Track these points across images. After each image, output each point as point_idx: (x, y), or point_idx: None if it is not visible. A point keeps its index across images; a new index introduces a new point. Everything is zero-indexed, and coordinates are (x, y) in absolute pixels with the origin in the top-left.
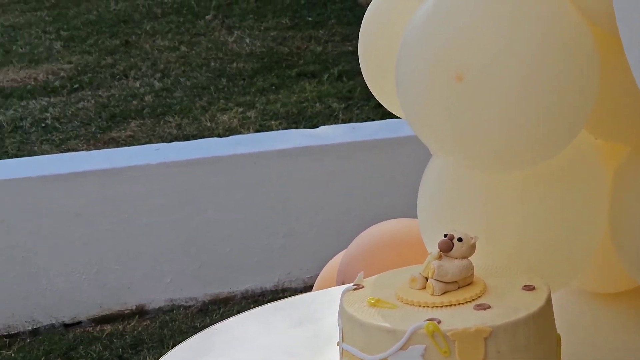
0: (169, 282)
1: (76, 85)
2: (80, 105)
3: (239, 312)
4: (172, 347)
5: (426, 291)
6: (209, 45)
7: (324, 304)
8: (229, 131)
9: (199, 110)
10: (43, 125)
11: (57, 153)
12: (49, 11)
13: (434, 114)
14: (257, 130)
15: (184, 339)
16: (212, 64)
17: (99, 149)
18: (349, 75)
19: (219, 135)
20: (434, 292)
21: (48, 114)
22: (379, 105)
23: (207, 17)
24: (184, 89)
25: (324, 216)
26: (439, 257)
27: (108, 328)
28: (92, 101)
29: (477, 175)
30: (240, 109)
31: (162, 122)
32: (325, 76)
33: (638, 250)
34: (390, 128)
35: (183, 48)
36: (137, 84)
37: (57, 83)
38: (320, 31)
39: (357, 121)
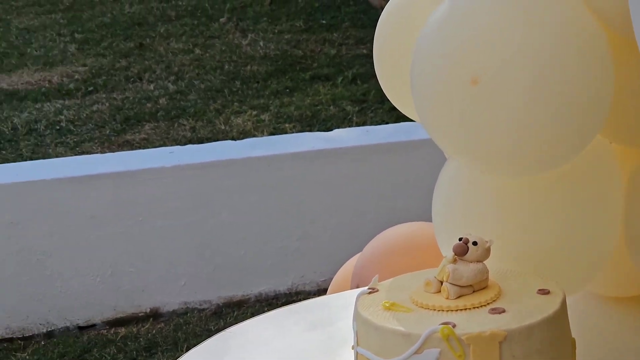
0: (183, 285)
1: (90, 88)
2: (94, 107)
3: (252, 315)
4: (186, 350)
5: (441, 295)
6: (223, 48)
7: (338, 307)
8: (243, 134)
9: (213, 113)
10: (57, 127)
11: (71, 156)
12: (63, 14)
13: (449, 117)
14: (271, 133)
15: (198, 342)
16: (226, 66)
17: (113, 152)
18: (363, 78)
19: (233, 138)
20: (449, 295)
21: (62, 117)
22: (393, 109)
23: (221, 20)
24: (198, 92)
25: (338, 219)
26: (454, 261)
27: (122, 331)
28: (107, 104)
29: (491, 179)
30: (254, 112)
31: (176, 125)
32: (340, 79)
33: None
34: (404, 131)
35: (197, 51)
36: (152, 86)
37: (71, 86)
38: (334, 34)
39: (371, 124)
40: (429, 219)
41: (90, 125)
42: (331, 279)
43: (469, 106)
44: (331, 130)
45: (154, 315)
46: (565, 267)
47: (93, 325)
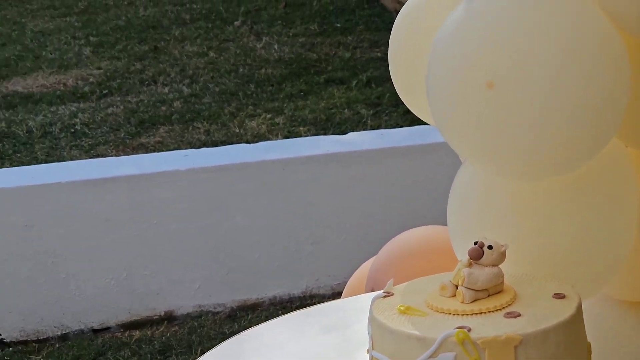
0: (197, 288)
1: (105, 91)
2: (109, 110)
3: (267, 318)
4: (201, 354)
5: (456, 299)
6: (238, 51)
7: (353, 311)
8: (257, 137)
9: (228, 116)
10: (72, 130)
11: (86, 159)
12: (78, 17)
13: (465, 121)
14: (286, 137)
15: (212, 345)
16: (241, 70)
17: (128, 155)
18: (378, 81)
19: (248, 142)
20: (464, 299)
21: (77, 120)
22: (408, 112)
23: (236, 23)
24: (212, 95)
25: (353, 223)
26: (469, 265)
27: (137, 334)
28: (121, 107)
29: (506, 183)
30: (269, 115)
31: (190, 128)
32: (354, 82)
33: None
34: (419, 134)
35: (211, 54)
36: (166, 89)
37: (86, 89)
38: (349, 37)
39: (385, 127)
40: (444, 223)
41: (105, 128)
42: (345, 282)
43: (484, 109)
44: (345, 133)
45: (169, 318)
46: (581, 271)
47: (107, 328)
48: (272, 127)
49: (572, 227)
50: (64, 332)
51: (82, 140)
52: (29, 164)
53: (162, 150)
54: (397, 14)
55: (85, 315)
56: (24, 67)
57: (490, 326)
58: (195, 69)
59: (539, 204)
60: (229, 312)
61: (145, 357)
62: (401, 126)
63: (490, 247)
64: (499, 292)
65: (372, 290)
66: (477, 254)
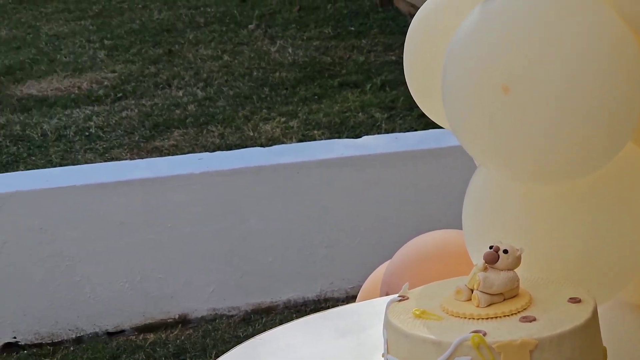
0: (211, 291)
1: (120, 94)
2: (123, 114)
3: (281, 321)
4: (215, 357)
5: (471, 303)
6: (252, 55)
7: (368, 315)
8: (271, 141)
9: (242, 119)
10: (87, 134)
11: (100, 162)
12: (92, 20)
13: (480, 124)
14: (300, 140)
15: (226, 349)
16: (255, 73)
17: (142, 158)
18: (392, 85)
19: (262, 145)
20: (480, 304)
21: (92, 123)
22: (422, 115)
23: (250, 26)
24: (226, 99)
25: (367, 226)
26: (485, 269)
27: (151, 337)
28: (136, 110)
29: (521, 187)
30: (283, 119)
31: (205, 132)
32: (368, 86)
33: None
34: (433, 138)
35: (226, 57)
36: (180, 93)
37: (100, 92)
38: (363, 41)
39: (400, 131)
40: (458, 227)
41: (120, 131)
42: (360, 286)
43: (500, 113)
44: (360, 137)
45: (183, 321)
46: (596, 276)
47: (122, 331)
48: (286, 131)
49: (588, 232)
50: (78, 335)
51: (97, 144)
52: (44, 167)
53: (177, 154)
54: (412, 17)
55: (100, 318)
56: (38, 71)
57: (505, 330)
58: (209, 72)
59: (554, 208)
60: (243, 316)
61: None
62: (415, 130)
63: (505, 251)
64: (514, 296)
65: (387, 294)
66: (493, 258)
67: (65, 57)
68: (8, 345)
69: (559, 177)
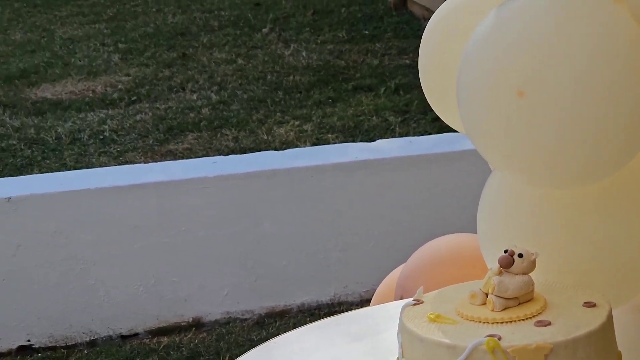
0: (225, 294)
1: (134, 98)
2: (137, 117)
3: (295, 325)
4: None
5: (486, 307)
6: (266, 59)
7: (382, 319)
8: (285, 144)
9: (256, 123)
10: (101, 137)
11: (114, 165)
12: (107, 24)
13: (495, 128)
14: (314, 144)
15: (240, 352)
16: (269, 77)
17: (156, 162)
18: (406, 88)
19: (276, 149)
20: (495, 308)
21: (106, 126)
22: (436, 119)
23: (264, 30)
24: (240, 102)
25: (381, 230)
26: (500, 273)
27: (165, 340)
28: (150, 113)
29: (536, 191)
30: (297, 122)
31: (219, 135)
32: (382, 89)
33: None
34: (447, 142)
35: (240, 61)
36: (194, 96)
37: (115, 95)
38: (377, 44)
39: (414, 135)
40: (473, 231)
41: (134, 134)
42: (374, 289)
43: (514, 117)
44: (374, 140)
45: (197, 324)
46: (611, 280)
47: (136, 335)
48: (301, 134)
49: (603, 236)
50: (92, 338)
51: (111, 147)
52: (58, 170)
53: (191, 157)
54: (426, 21)
55: (114, 321)
56: (53, 74)
57: (520, 334)
58: (223, 75)
59: (569, 212)
60: (257, 319)
61: None
62: (429, 133)
63: (520, 256)
64: (529, 301)
65: (401, 298)
66: (508, 262)
67: (80, 61)
68: (22, 348)
69: (574, 181)
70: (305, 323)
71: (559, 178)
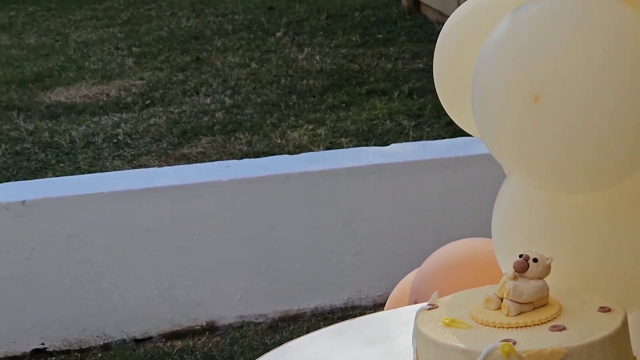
0: (239, 298)
1: (148, 102)
2: (151, 121)
3: (308, 329)
4: None
5: (501, 312)
6: (279, 62)
7: (397, 323)
8: (299, 148)
9: (269, 127)
10: (115, 141)
11: (128, 169)
12: (121, 28)
13: (510, 133)
14: (327, 148)
15: (254, 356)
16: (283, 80)
17: (170, 165)
18: (420, 92)
19: (289, 153)
20: (509, 312)
21: (120, 130)
22: (450, 123)
23: (278, 34)
24: (254, 106)
25: (394, 234)
26: (514, 278)
27: (178, 344)
28: (164, 117)
29: (551, 196)
30: (311, 126)
31: (232, 139)
32: (396, 93)
33: None
34: (461, 146)
35: (253, 65)
36: (208, 100)
37: (129, 99)
38: (391, 48)
39: (427, 139)
40: (486, 235)
41: (148, 138)
42: (387, 293)
43: (529, 121)
44: (387, 144)
45: (210, 328)
46: (626, 284)
47: (149, 338)
48: (314, 138)
49: (618, 241)
50: (106, 341)
51: (125, 151)
52: (72, 174)
53: (204, 161)
54: (439, 25)
55: (128, 325)
56: (67, 78)
57: (535, 339)
58: (237, 79)
59: (584, 217)
60: (270, 323)
61: None
62: (443, 137)
63: (535, 260)
64: (544, 305)
65: (415, 303)
66: (523, 266)
67: (94, 65)
68: (36, 352)
69: (589, 187)
70: (319, 327)
71: (574, 183)
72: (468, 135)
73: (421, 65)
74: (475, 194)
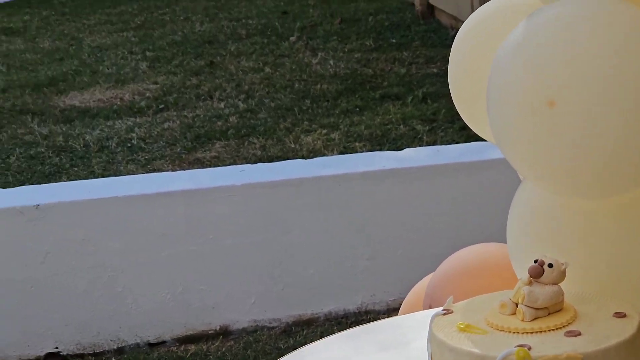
0: (253, 303)
1: (161, 106)
2: (165, 125)
3: (322, 334)
4: None
5: (516, 317)
6: (293, 67)
7: (411, 328)
8: (312, 153)
9: (283, 131)
10: (129, 145)
11: (142, 173)
12: (135, 32)
13: (526, 138)
14: (341, 152)
15: None
16: (296, 85)
17: (184, 170)
18: (433, 97)
19: (303, 157)
20: (524, 318)
21: (134, 134)
22: (464, 128)
23: (291, 38)
24: (268, 110)
25: (408, 239)
26: (529, 283)
27: (192, 348)
28: (177, 121)
29: (566, 201)
30: (324, 131)
31: (246, 143)
32: (410, 98)
33: None
34: (474, 151)
35: (267, 69)
36: (222, 104)
37: (142, 103)
38: (404, 53)
39: (441, 143)
40: (501, 240)
41: (161, 142)
42: (401, 298)
43: (544, 126)
44: (401, 149)
45: (224, 333)
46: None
47: (163, 342)
48: (328, 143)
49: (632, 246)
50: (120, 345)
51: (139, 155)
52: (86, 178)
53: (218, 165)
54: (453, 30)
55: (141, 329)
56: (81, 82)
57: (550, 345)
58: (251, 84)
59: (599, 222)
60: (284, 327)
61: None
62: (457, 142)
63: (550, 266)
64: (559, 311)
65: (430, 308)
66: (538, 272)
67: (108, 69)
68: (50, 356)
69: (603, 191)
70: (333, 332)
71: (589, 188)
72: (482, 140)
73: (435, 70)
74: (489, 199)
